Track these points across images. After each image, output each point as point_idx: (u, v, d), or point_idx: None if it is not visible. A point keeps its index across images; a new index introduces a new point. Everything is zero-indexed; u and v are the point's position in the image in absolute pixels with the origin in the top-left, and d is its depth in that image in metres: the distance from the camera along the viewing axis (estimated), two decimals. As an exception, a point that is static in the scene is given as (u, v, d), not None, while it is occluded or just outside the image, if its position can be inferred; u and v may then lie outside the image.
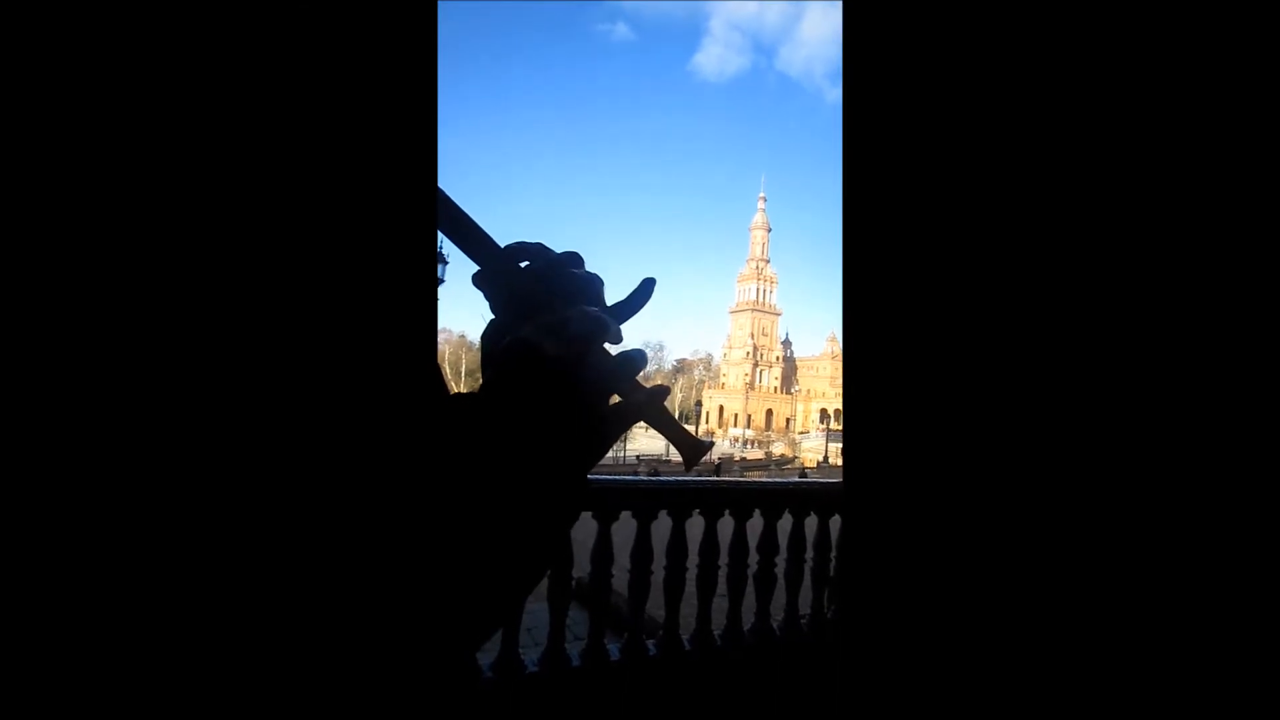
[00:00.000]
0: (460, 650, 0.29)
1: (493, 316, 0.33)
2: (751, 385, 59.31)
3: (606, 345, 0.31)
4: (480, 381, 0.32)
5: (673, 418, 0.34)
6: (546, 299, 0.31)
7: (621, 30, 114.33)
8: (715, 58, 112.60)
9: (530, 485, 0.29)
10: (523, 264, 0.33)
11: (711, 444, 0.38)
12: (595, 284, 0.33)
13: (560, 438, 0.29)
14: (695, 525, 2.32)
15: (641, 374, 0.32)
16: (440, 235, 0.32)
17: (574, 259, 0.33)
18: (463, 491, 0.27)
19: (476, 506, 0.27)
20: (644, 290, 0.34)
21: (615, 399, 0.32)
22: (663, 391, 0.33)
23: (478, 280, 0.32)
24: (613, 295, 0.34)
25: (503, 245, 0.33)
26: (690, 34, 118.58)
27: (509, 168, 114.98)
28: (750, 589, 2.41)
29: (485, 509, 0.28)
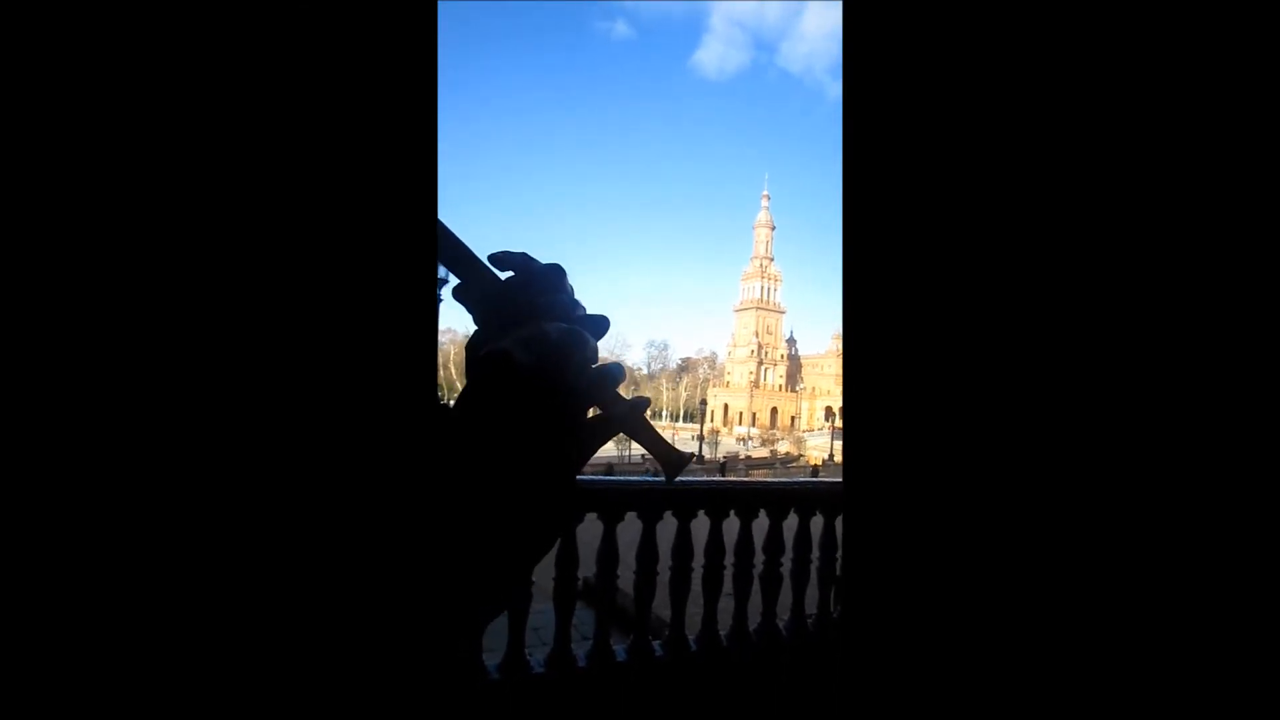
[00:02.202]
0: (440, 648, 0.29)
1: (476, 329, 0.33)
2: (756, 383, 59.33)
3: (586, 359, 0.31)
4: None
5: (653, 429, 0.34)
6: (525, 313, 0.31)
7: (621, 28, 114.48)
8: (716, 54, 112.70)
9: (502, 495, 0.29)
10: (504, 275, 0.32)
11: (691, 456, 0.38)
12: (572, 302, 0.33)
13: (534, 448, 0.29)
14: (700, 525, 2.31)
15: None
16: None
17: (556, 271, 0.33)
18: (439, 500, 0.27)
19: (450, 515, 0.27)
20: (601, 325, 0.34)
21: (594, 411, 0.32)
22: (642, 403, 0.33)
23: (458, 294, 0.32)
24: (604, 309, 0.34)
25: (490, 253, 0.33)
26: (691, 31, 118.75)
27: (508, 167, 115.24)
28: (756, 589, 2.41)
29: (458, 518, 0.28)
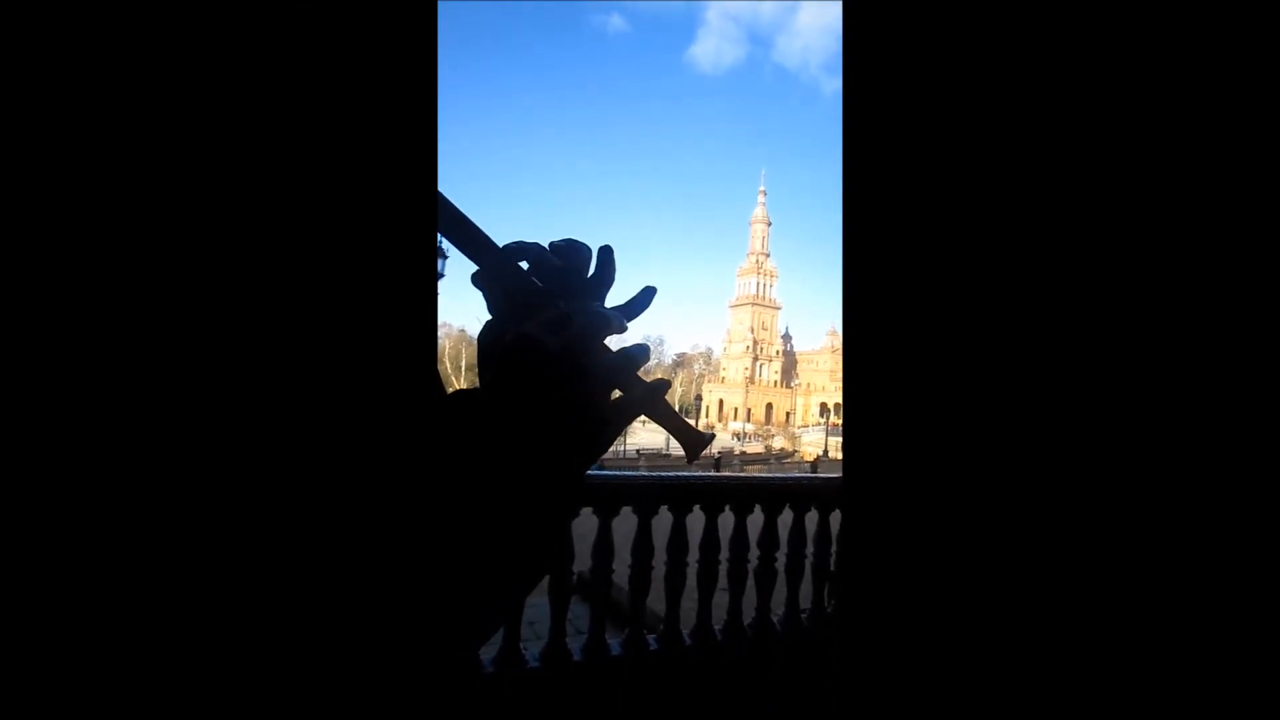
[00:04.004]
0: (461, 648, 0.29)
1: (489, 317, 0.33)
2: (751, 379, 59.32)
3: (610, 340, 0.31)
4: (479, 379, 0.32)
5: (674, 411, 0.34)
6: (547, 296, 0.31)
7: (617, 22, 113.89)
8: (711, 49, 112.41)
9: (533, 481, 0.29)
10: (522, 263, 0.33)
11: (713, 436, 0.38)
12: (602, 279, 0.33)
13: (562, 434, 0.29)
14: (696, 520, 2.32)
15: (642, 369, 0.32)
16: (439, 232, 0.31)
17: (578, 248, 0.33)
18: (465, 488, 0.27)
19: (478, 503, 0.27)
20: (645, 297, 0.34)
21: (617, 394, 0.32)
22: (663, 385, 0.33)
23: (476, 280, 0.32)
24: (617, 296, 0.34)
25: (501, 245, 0.33)
26: (686, 25, 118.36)
27: (504, 162, 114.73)
28: (751, 584, 2.42)
29: (487, 506, 0.28)
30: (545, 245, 0.33)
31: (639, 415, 0.33)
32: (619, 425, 0.31)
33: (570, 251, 0.33)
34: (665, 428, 0.35)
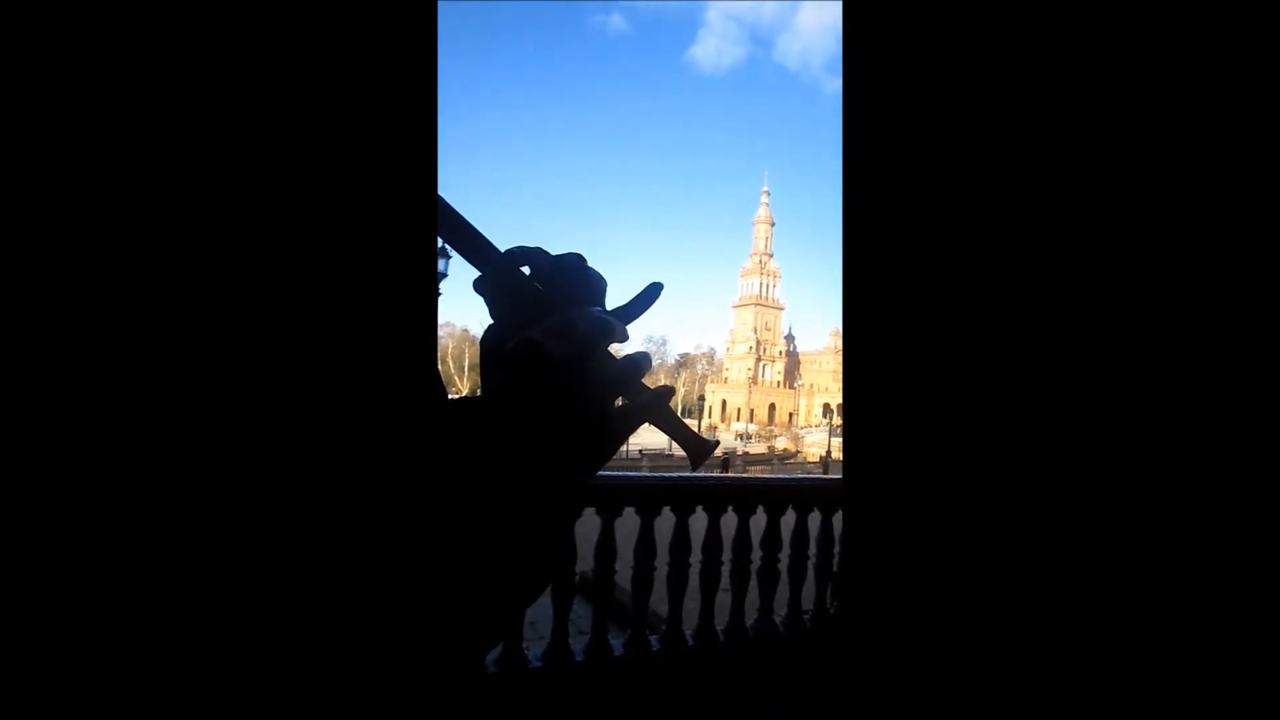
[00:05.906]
0: (466, 655, 0.29)
1: (491, 321, 0.33)
2: (754, 380, 59.34)
3: (613, 346, 0.31)
4: (481, 383, 0.32)
5: (678, 418, 0.34)
6: (550, 302, 0.31)
7: (617, 22, 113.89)
8: (712, 49, 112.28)
9: (537, 489, 0.28)
10: (524, 269, 0.32)
11: (717, 443, 0.38)
12: (598, 285, 0.33)
13: (566, 441, 0.29)
14: (698, 520, 2.32)
15: (645, 373, 0.32)
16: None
17: (576, 260, 0.33)
18: (470, 495, 0.27)
19: (484, 510, 0.27)
20: (650, 294, 0.34)
21: (620, 400, 0.32)
22: (667, 392, 0.33)
23: (478, 286, 0.32)
24: (619, 297, 0.34)
25: (502, 250, 0.33)
26: (686, 26, 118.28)
27: (504, 164, 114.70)
28: (754, 584, 2.42)
29: (493, 513, 0.28)
30: (545, 250, 0.33)
31: (643, 422, 0.32)
32: (623, 433, 0.31)
33: (573, 258, 0.33)
34: (670, 434, 0.35)
